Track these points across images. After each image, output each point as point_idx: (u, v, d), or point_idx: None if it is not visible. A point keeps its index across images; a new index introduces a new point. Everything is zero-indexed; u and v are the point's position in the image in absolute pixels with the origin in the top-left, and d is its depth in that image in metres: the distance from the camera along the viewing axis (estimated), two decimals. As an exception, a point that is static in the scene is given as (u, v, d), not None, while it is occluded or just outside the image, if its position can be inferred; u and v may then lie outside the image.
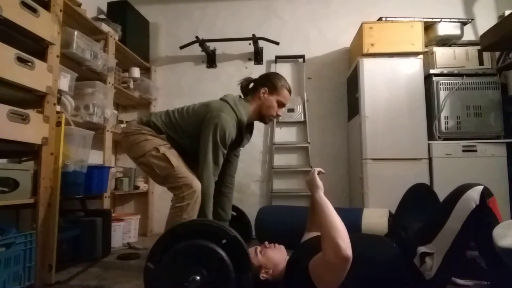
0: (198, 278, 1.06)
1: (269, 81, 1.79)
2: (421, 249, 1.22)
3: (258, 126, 3.20)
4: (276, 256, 1.38)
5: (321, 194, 1.29)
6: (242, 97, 1.85)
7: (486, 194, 1.18)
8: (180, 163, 1.63)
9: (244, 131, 1.77)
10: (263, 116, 1.78)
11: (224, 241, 1.14)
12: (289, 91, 1.82)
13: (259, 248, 1.41)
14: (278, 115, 1.81)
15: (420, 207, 1.60)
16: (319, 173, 1.43)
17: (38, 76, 1.65)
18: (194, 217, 1.57)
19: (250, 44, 3.16)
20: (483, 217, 1.17)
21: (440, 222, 1.23)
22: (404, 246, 1.33)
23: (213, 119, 1.61)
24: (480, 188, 1.20)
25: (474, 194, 1.19)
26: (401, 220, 1.63)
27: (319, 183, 1.34)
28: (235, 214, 2.03)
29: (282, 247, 1.44)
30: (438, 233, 1.21)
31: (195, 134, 1.66)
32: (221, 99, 1.74)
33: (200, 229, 1.22)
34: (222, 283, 1.08)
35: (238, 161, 2.04)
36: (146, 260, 1.19)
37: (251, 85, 1.85)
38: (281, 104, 1.78)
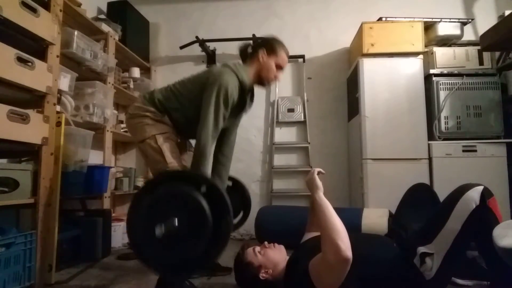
0: (174, 219, 1.05)
1: (268, 44, 1.80)
2: (421, 249, 1.22)
3: (258, 126, 3.20)
4: (276, 256, 1.38)
5: (320, 195, 1.28)
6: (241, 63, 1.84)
7: (486, 194, 1.18)
8: (175, 159, 1.60)
9: (247, 94, 1.75)
10: (262, 80, 1.77)
11: (203, 188, 1.11)
12: (287, 55, 1.83)
13: (258, 248, 1.41)
14: (276, 79, 1.80)
15: (420, 207, 1.60)
16: (318, 173, 1.42)
17: (38, 76, 1.65)
18: None
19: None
20: (483, 217, 1.17)
21: (440, 223, 1.23)
22: (404, 246, 1.33)
23: (215, 80, 1.59)
24: (480, 188, 1.20)
25: (474, 195, 1.19)
26: (401, 220, 1.63)
27: (319, 183, 1.34)
28: (230, 184, 2.00)
29: (282, 247, 1.44)
30: (438, 233, 1.21)
31: (198, 101, 1.63)
32: (222, 65, 1.74)
33: (179, 176, 1.21)
34: (200, 228, 1.06)
35: (236, 133, 2.01)
36: (127, 211, 1.19)
37: (250, 49, 1.85)
38: (279, 67, 1.77)
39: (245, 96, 1.73)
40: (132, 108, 1.71)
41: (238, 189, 1.99)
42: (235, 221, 1.86)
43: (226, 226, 1.09)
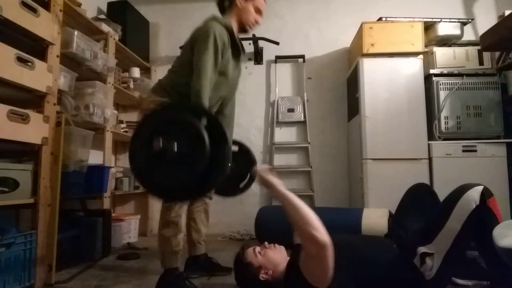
0: (161, 141, 1.05)
1: None
2: (421, 249, 1.22)
3: (258, 126, 3.20)
4: (276, 256, 1.38)
5: (279, 190, 1.23)
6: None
7: (486, 194, 1.19)
8: None
9: (237, 41, 1.77)
10: (243, 25, 1.80)
11: (204, 121, 1.12)
12: None
13: (258, 249, 1.41)
14: (257, 22, 1.83)
15: (420, 207, 1.60)
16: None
17: (38, 76, 1.65)
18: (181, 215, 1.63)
19: (250, 44, 3.16)
20: (483, 217, 1.17)
21: (440, 223, 1.23)
22: (404, 247, 1.33)
23: (200, 32, 1.63)
24: (480, 188, 1.20)
25: (474, 194, 1.19)
26: (401, 220, 1.63)
27: (273, 179, 1.27)
28: (236, 149, 2.00)
29: (282, 248, 1.44)
30: (438, 233, 1.21)
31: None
32: (203, 21, 1.77)
33: (178, 107, 1.24)
34: (198, 153, 1.07)
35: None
36: (131, 138, 1.20)
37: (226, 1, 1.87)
38: (257, 10, 1.80)
39: (236, 42, 1.75)
40: (146, 103, 1.71)
41: (243, 152, 2.00)
42: (242, 184, 1.87)
43: (224, 155, 1.10)
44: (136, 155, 1.15)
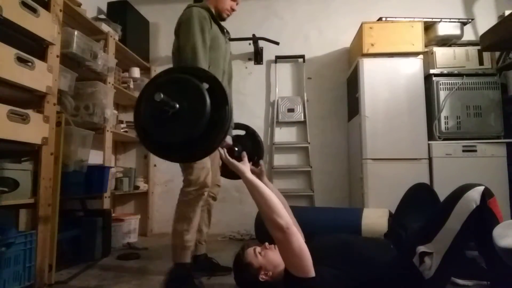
0: (162, 95, 1.08)
1: None
2: (421, 248, 1.22)
3: (258, 126, 3.20)
4: (276, 257, 1.38)
5: (246, 177, 1.27)
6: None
7: (486, 194, 1.18)
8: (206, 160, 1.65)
9: (217, 20, 1.81)
10: (220, 13, 1.83)
11: (206, 85, 1.15)
12: None
13: (258, 249, 1.41)
14: (233, 9, 1.87)
15: (421, 207, 1.60)
16: (228, 149, 1.42)
17: (38, 76, 1.65)
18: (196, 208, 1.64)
19: (250, 44, 3.16)
20: (483, 218, 1.17)
21: (440, 222, 1.23)
22: (404, 246, 1.33)
23: (182, 20, 1.67)
24: (481, 188, 1.20)
25: (474, 195, 1.19)
26: (401, 219, 1.63)
27: (240, 165, 1.31)
28: (243, 133, 2.01)
29: None
30: (437, 232, 1.21)
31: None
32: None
33: (181, 71, 1.26)
34: (200, 110, 1.10)
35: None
36: (136, 101, 1.23)
37: None
38: None
39: (216, 20, 1.78)
40: None
41: (250, 135, 2.02)
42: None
43: (225, 113, 1.13)
44: (140, 114, 1.18)
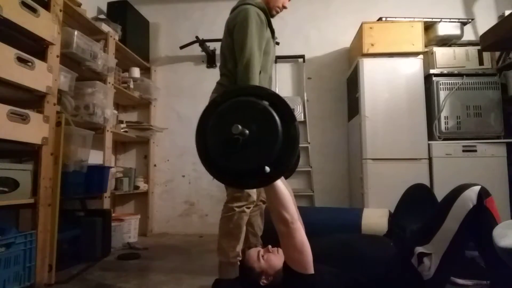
0: (239, 126, 1.03)
1: None
2: (419, 249, 1.22)
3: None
4: (278, 262, 1.37)
5: None
6: None
7: (483, 194, 1.19)
8: None
9: (271, 26, 1.75)
10: (270, 9, 1.76)
11: (266, 102, 1.10)
12: None
13: (261, 252, 1.41)
14: (284, 7, 1.80)
15: (419, 207, 1.60)
16: None
17: (38, 76, 1.65)
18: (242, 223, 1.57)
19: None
20: (481, 217, 1.17)
21: (437, 223, 1.23)
22: (402, 246, 1.33)
23: (241, 17, 1.58)
24: (477, 188, 1.20)
25: (471, 195, 1.19)
26: (399, 220, 1.63)
27: None
28: None
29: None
30: (435, 233, 1.22)
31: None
32: (234, 7, 1.72)
33: (239, 93, 1.18)
34: (271, 133, 1.06)
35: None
36: (195, 134, 1.16)
37: None
38: None
39: (270, 21, 1.73)
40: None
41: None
42: None
43: (295, 130, 1.08)
44: (206, 147, 1.12)
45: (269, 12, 1.75)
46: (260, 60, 1.59)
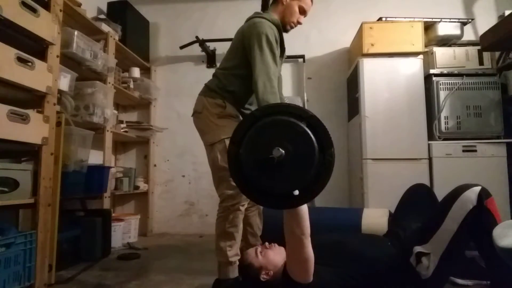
0: (281, 149, 1.02)
1: None
2: (417, 248, 1.22)
3: (258, 126, 3.20)
4: (276, 257, 1.38)
5: None
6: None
7: (483, 195, 1.18)
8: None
9: (283, 42, 1.75)
10: (284, 24, 1.74)
11: (303, 125, 1.08)
12: None
13: (259, 249, 1.42)
14: (299, 23, 1.76)
15: (419, 207, 1.60)
16: None
17: (38, 76, 1.65)
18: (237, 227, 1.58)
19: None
20: (481, 218, 1.17)
21: (436, 223, 1.23)
22: (401, 245, 1.33)
23: (254, 30, 1.57)
24: (478, 189, 1.20)
25: (471, 195, 1.19)
26: (399, 220, 1.64)
27: None
28: None
29: (282, 248, 1.44)
30: (434, 233, 1.22)
31: (245, 59, 1.62)
32: (248, 19, 1.71)
33: (278, 110, 1.15)
34: (307, 157, 1.04)
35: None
36: (229, 142, 1.13)
37: None
38: (302, 11, 1.73)
39: (283, 39, 1.72)
40: (199, 104, 1.69)
41: None
42: None
43: (331, 157, 1.07)
44: (238, 155, 1.09)
45: (283, 28, 1.73)
46: (274, 69, 1.56)
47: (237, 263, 1.56)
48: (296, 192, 1.03)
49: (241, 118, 1.67)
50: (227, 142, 1.45)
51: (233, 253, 1.55)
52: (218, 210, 1.60)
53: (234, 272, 1.56)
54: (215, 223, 1.61)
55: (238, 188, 1.14)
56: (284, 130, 1.08)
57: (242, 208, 1.57)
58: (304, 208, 1.15)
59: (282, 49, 1.74)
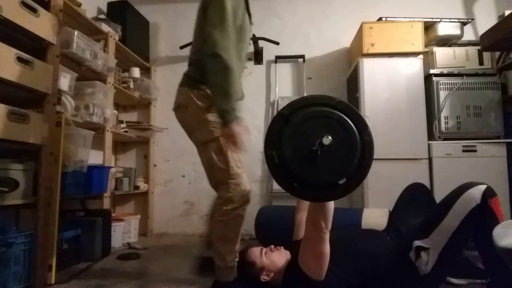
0: (329, 137, 1.00)
1: None
2: (417, 243, 1.22)
3: (258, 126, 3.20)
4: (280, 260, 1.38)
5: None
6: None
7: (488, 194, 1.18)
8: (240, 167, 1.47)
9: (248, 5, 1.62)
10: None
11: (335, 111, 1.07)
12: None
13: (264, 250, 1.42)
14: None
15: (418, 205, 1.60)
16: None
17: (38, 76, 1.65)
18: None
19: (250, 44, 3.16)
20: (483, 217, 1.17)
21: (438, 218, 1.23)
22: (401, 240, 1.33)
23: None
24: (483, 187, 1.19)
25: (475, 193, 1.19)
26: (399, 216, 1.63)
27: None
28: None
29: (287, 252, 1.44)
30: (435, 228, 1.21)
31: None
32: None
33: (305, 104, 1.13)
34: (349, 142, 1.04)
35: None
36: (264, 150, 1.10)
37: None
38: None
39: (248, 3, 1.60)
40: (181, 96, 1.54)
41: None
42: None
43: (369, 136, 1.08)
44: (284, 168, 1.07)
45: None
46: (235, 51, 1.41)
47: (236, 264, 1.50)
48: (344, 181, 1.03)
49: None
50: (222, 141, 1.43)
51: (232, 257, 1.48)
52: (218, 213, 1.49)
53: (233, 274, 1.50)
54: (210, 222, 1.55)
55: (291, 194, 1.10)
56: (320, 120, 1.07)
57: (243, 212, 1.49)
58: (332, 202, 1.15)
59: (249, 13, 1.62)
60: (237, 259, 1.50)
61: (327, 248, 1.14)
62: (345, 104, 1.09)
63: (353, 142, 1.05)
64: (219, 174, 1.48)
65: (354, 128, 1.05)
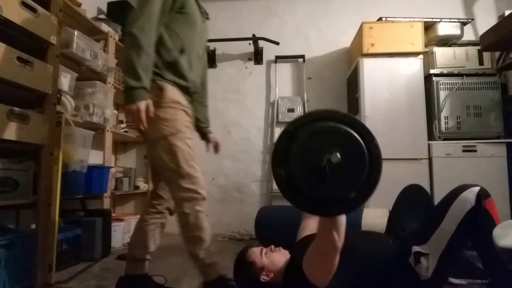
0: (337, 154, 0.99)
1: None
2: (416, 248, 1.22)
3: (258, 126, 3.21)
4: (281, 260, 1.38)
5: None
6: None
7: (482, 195, 1.18)
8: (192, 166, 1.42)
9: None
10: None
11: (342, 125, 1.06)
12: None
13: (264, 250, 1.41)
14: None
15: (415, 208, 1.60)
16: None
17: (38, 76, 1.65)
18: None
19: (250, 44, 3.16)
20: (479, 219, 1.17)
21: (435, 223, 1.23)
22: (400, 245, 1.33)
23: None
24: (476, 189, 1.19)
25: (469, 195, 1.19)
26: (397, 220, 1.63)
27: None
28: None
29: (287, 253, 1.43)
30: (433, 233, 1.21)
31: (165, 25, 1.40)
32: None
33: (309, 119, 1.12)
34: (357, 155, 1.03)
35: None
36: (272, 167, 1.08)
37: None
38: None
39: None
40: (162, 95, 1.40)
41: None
42: None
43: (376, 149, 1.06)
44: (292, 185, 1.05)
45: None
46: (156, 26, 1.34)
47: (215, 260, 1.44)
48: (354, 194, 1.02)
49: (186, 102, 1.45)
50: (172, 139, 1.36)
51: (206, 254, 1.42)
52: (177, 217, 1.45)
53: (217, 270, 1.44)
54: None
55: (302, 211, 1.08)
56: (327, 136, 1.06)
57: (201, 208, 1.44)
58: (344, 216, 1.13)
59: (198, 2, 1.58)
60: (211, 256, 1.44)
61: (334, 263, 1.11)
62: (350, 117, 1.09)
63: (361, 155, 1.04)
64: (169, 175, 1.41)
65: (361, 141, 1.05)
